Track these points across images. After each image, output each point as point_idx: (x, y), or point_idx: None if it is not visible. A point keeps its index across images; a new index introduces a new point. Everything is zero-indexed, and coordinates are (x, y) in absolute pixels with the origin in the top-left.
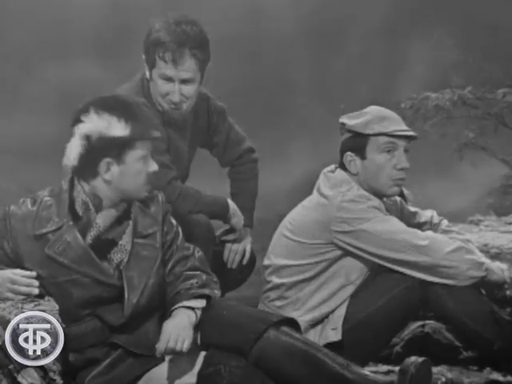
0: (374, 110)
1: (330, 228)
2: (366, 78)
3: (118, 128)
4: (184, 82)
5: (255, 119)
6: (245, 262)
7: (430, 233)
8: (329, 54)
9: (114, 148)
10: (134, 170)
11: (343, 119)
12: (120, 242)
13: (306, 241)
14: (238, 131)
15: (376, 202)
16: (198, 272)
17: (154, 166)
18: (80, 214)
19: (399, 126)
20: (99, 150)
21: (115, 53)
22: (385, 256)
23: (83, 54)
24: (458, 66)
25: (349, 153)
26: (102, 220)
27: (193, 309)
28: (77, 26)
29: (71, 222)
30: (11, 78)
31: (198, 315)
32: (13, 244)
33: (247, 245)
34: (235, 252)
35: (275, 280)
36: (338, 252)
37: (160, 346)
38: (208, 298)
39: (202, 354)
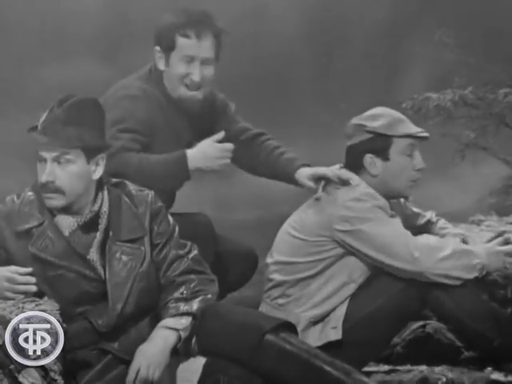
0: (388, 111)
1: (333, 226)
2: (367, 78)
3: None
4: (204, 62)
5: (255, 119)
6: None
7: (424, 239)
8: (330, 55)
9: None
10: (38, 169)
11: (360, 121)
12: (88, 257)
13: (309, 238)
14: (241, 122)
15: (382, 201)
16: (191, 276)
17: (42, 176)
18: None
19: (417, 128)
20: None
21: (116, 53)
22: (377, 259)
23: (83, 54)
24: (459, 67)
25: (369, 155)
26: (61, 225)
27: (176, 329)
28: (77, 26)
29: (52, 217)
30: (11, 78)
31: (182, 335)
32: (2, 242)
33: None
34: None
35: (278, 277)
36: (341, 250)
37: (129, 377)
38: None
39: (201, 363)
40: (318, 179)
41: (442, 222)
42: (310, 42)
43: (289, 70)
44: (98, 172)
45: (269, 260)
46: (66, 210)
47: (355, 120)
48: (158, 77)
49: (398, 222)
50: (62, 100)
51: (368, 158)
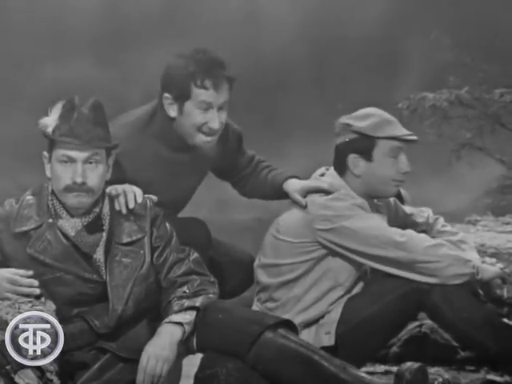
0: (378, 112)
1: (314, 226)
2: (363, 78)
3: (51, 125)
4: (220, 108)
5: (253, 119)
6: None
7: (409, 231)
8: (326, 55)
9: (47, 144)
10: (54, 170)
11: (348, 120)
12: (94, 256)
13: (291, 240)
14: (247, 153)
15: (359, 200)
16: (193, 276)
17: (77, 177)
18: (52, 214)
19: (405, 130)
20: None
21: (112, 53)
22: (364, 252)
23: (81, 54)
24: (454, 66)
25: (353, 155)
26: (66, 227)
27: (181, 323)
28: (74, 25)
29: (50, 220)
30: (10, 78)
31: (187, 329)
32: None
33: None
34: None
35: (264, 280)
36: (323, 251)
37: (138, 377)
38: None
39: (199, 356)
40: (308, 192)
41: (440, 223)
42: (307, 43)
43: (286, 71)
44: (109, 173)
45: (256, 263)
46: (82, 209)
47: (343, 119)
48: (164, 122)
49: (378, 216)
50: (82, 100)
51: (351, 158)
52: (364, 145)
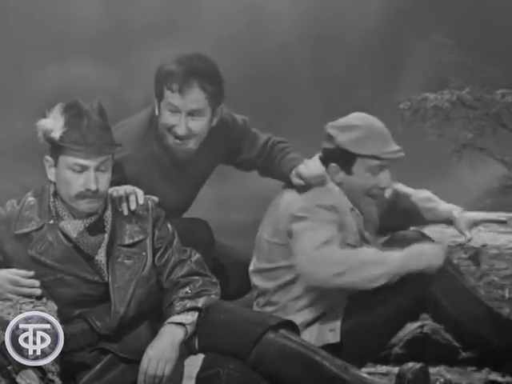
0: (363, 123)
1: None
2: (364, 78)
3: (57, 129)
4: (191, 114)
5: (253, 120)
6: None
7: (328, 253)
8: (327, 55)
9: (51, 148)
10: (62, 177)
11: (331, 130)
12: (96, 258)
13: (283, 242)
14: (258, 137)
15: (333, 201)
16: (195, 277)
17: (90, 185)
18: (53, 216)
19: (390, 147)
20: (48, 146)
21: (113, 54)
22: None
23: (81, 55)
24: (456, 67)
25: (334, 164)
26: (68, 228)
27: (183, 324)
28: (75, 26)
29: (51, 221)
30: (10, 78)
31: (189, 330)
32: (0, 246)
33: None
34: None
35: (260, 285)
36: None
37: (140, 379)
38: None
39: (201, 357)
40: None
41: (426, 195)
42: (307, 43)
43: (285, 71)
44: (110, 176)
45: (251, 267)
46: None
47: (329, 127)
48: (158, 124)
49: (327, 231)
50: (90, 105)
51: (332, 167)
52: (344, 159)
